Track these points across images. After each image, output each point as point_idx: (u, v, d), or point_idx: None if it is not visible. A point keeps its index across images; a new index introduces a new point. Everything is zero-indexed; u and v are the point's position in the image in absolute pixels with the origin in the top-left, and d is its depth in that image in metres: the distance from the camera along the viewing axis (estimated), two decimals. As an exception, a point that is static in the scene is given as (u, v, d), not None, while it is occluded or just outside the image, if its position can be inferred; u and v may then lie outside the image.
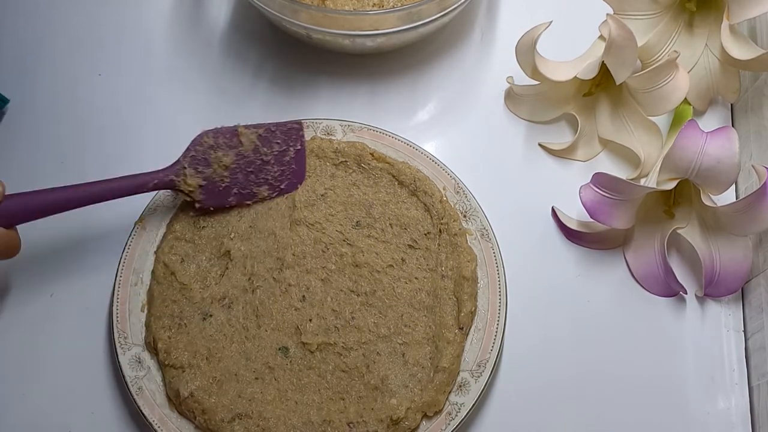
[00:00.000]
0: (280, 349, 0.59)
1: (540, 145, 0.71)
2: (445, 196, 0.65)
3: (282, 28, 0.71)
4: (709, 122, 0.71)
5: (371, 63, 0.74)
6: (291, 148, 0.65)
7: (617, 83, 0.65)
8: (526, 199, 0.68)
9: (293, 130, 0.65)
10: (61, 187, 0.58)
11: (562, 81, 0.67)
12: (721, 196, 0.61)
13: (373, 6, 0.70)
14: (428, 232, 0.64)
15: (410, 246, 0.63)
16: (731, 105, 0.72)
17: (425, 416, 0.58)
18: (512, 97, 0.72)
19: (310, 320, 0.60)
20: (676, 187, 0.62)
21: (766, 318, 0.61)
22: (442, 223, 0.63)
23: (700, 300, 0.65)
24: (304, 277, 0.61)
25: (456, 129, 0.72)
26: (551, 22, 0.65)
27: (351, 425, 0.57)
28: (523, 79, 0.69)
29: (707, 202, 0.60)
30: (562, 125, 0.72)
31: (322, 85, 0.73)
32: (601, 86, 0.69)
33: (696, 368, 0.63)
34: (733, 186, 0.68)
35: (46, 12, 0.76)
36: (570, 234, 0.67)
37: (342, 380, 0.59)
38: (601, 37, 0.69)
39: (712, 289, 0.63)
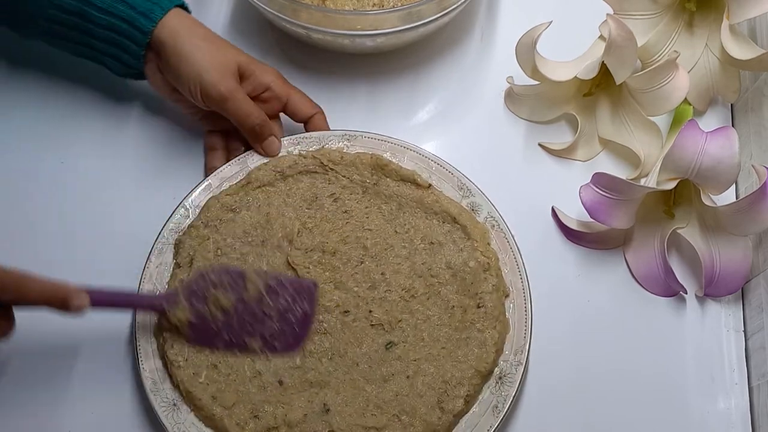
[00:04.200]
0: (387, 345, 0.59)
1: (540, 145, 0.71)
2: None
3: (282, 28, 0.71)
4: (709, 122, 0.71)
5: (371, 63, 0.74)
6: (299, 308, 0.59)
7: (617, 83, 0.65)
8: (526, 199, 0.68)
9: (306, 290, 0.60)
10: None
11: (562, 81, 0.67)
12: (721, 196, 0.61)
13: (373, 6, 0.70)
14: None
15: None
16: (731, 105, 0.72)
17: (506, 297, 0.61)
18: (512, 97, 0.72)
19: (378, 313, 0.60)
20: (676, 187, 0.62)
21: (766, 318, 0.61)
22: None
23: (700, 300, 0.65)
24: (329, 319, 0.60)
25: (456, 129, 0.72)
26: (551, 22, 0.65)
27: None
28: (523, 79, 0.69)
29: (707, 202, 0.60)
30: (562, 125, 0.72)
31: (322, 85, 0.73)
32: (601, 86, 0.69)
33: (696, 368, 0.63)
34: (733, 186, 0.68)
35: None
36: (570, 234, 0.67)
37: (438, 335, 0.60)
38: (601, 37, 0.69)
39: (712, 289, 0.63)
